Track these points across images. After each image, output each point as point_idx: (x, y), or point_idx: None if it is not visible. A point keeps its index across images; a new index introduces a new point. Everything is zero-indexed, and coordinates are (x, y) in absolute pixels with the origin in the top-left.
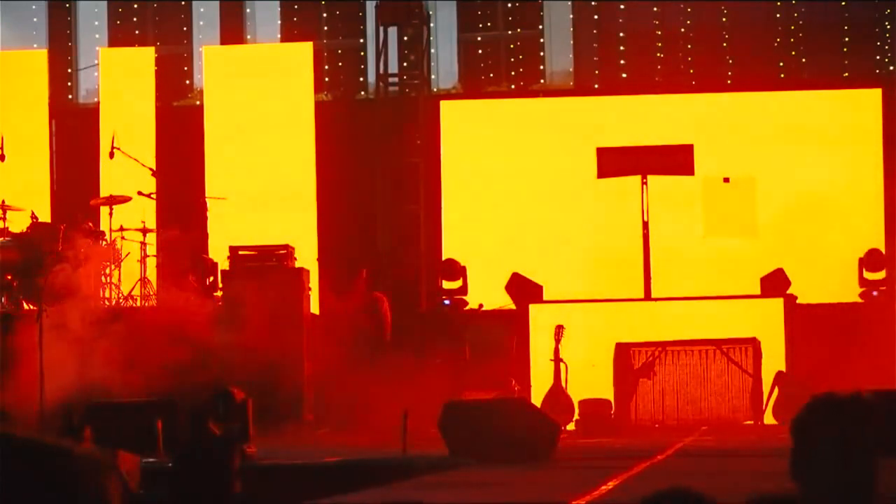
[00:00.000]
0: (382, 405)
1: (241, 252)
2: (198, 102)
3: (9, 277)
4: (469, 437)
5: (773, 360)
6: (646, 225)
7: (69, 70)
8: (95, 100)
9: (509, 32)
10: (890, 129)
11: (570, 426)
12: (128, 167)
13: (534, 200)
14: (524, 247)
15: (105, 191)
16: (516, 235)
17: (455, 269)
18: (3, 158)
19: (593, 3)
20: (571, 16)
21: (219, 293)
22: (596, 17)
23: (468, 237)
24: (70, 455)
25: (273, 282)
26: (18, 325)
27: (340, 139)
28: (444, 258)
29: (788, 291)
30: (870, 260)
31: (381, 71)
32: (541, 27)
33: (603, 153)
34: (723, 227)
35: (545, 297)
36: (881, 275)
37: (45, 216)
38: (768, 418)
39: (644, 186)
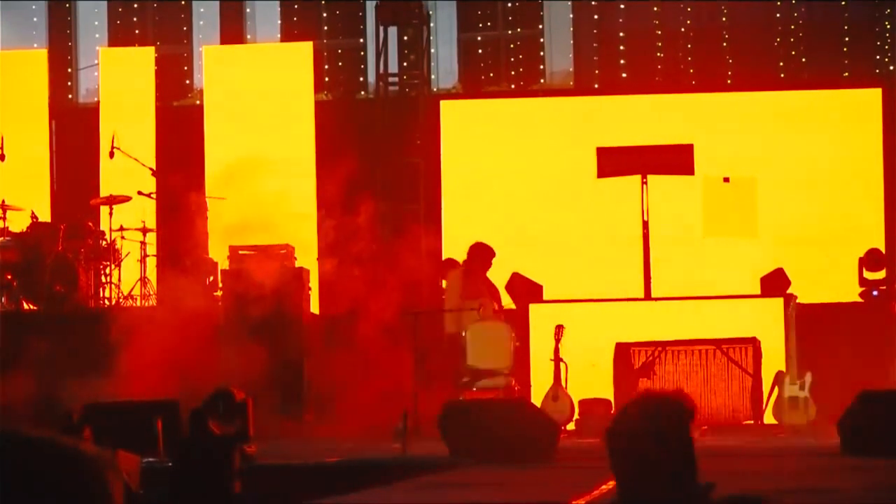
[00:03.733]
0: (382, 404)
1: (241, 252)
2: (198, 102)
3: (9, 277)
4: (469, 437)
5: (773, 360)
6: (646, 225)
7: (69, 70)
8: (95, 100)
9: (509, 32)
10: (890, 129)
11: (570, 426)
12: (128, 167)
13: (534, 200)
14: (524, 247)
15: (105, 191)
16: (516, 235)
17: None
18: (3, 158)
19: (593, 3)
20: (571, 16)
21: (219, 293)
22: (596, 17)
23: (468, 237)
24: (76, 453)
25: (273, 282)
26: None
27: (340, 139)
28: (444, 258)
29: (788, 291)
30: (870, 260)
31: (381, 71)
32: (541, 27)
33: (603, 153)
34: (723, 227)
35: (545, 297)
36: (881, 275)
37: (45, 216)
38: (768, 418)
39: (644, 186)
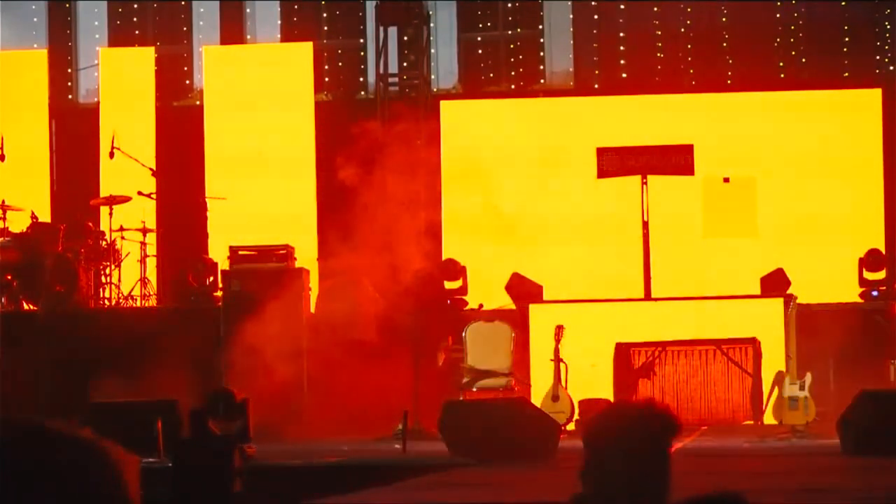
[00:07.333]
0: (382, 405)
1: (241, 252)
2: (198, 102)
3: (9, 277)
4: (469, 437)
5: (773, 360)
6: (646, 225)
7: (69, 70)
8: (95, 100)
9: (509, 32)
10: (890, 129)
11: (571, 426)
12: (128, 167)
13: (534, 200)
14: (524, 247)
15: (105, 191)
16: (516, 235)
17: (455, 269)
18: (3, 158)
19: (593, 3)
20: (571, 16)
21: (219, 293)
22: (596, 17)
23: (468, 237)
24: (96, 447)
25: (273, 282)
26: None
27: (340, 139)
28: (444, 258)
29: (788, 291)
30: (870, 260)
31: (381, 71)
32: (541, 27)
33: (603, 153)
34: (723, 227)
35: (545, 297)
36: (881, 275)
37: (45, 216)
38: (768, 418)
39: (644, 186)
